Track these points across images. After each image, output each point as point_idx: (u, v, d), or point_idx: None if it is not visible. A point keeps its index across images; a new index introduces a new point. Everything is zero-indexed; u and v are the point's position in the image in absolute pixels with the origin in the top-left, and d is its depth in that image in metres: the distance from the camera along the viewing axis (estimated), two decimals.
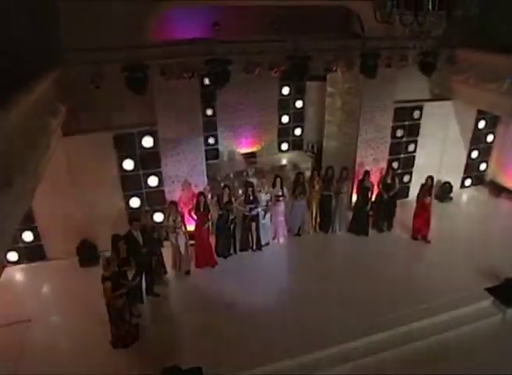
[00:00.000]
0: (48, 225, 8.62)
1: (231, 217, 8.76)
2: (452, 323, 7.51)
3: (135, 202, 8.97)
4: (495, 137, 11.34)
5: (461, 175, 11.55)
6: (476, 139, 11.18)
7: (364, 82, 9.31)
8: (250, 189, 8.76)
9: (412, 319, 7.41)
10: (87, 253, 8.82)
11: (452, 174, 11.18)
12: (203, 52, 7.83)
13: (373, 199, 9.62)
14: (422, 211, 9.27)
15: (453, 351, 7.04)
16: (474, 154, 11.38)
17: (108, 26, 7.57)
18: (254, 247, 9.28)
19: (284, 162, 13.04)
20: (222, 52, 7.75)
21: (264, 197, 8.96)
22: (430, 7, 4.26)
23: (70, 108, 7.65)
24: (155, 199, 9.05)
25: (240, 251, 9.26)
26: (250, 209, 8.84)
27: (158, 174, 8.93)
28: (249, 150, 12.91)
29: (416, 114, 10.21)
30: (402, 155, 10.61)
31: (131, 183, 8.80)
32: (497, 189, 11.37)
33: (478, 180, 11.84)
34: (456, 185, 11.37)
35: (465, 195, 11.56)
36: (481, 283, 8.14)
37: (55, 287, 8.26)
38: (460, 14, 4.20)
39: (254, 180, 11.61)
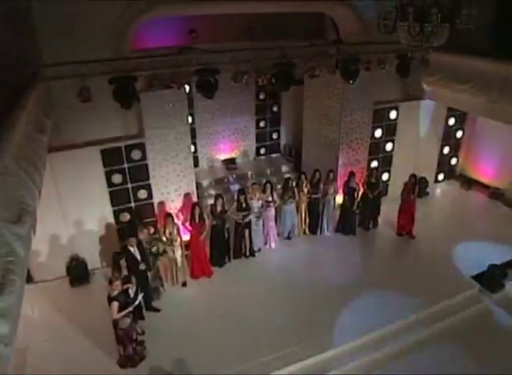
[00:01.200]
0: (34, 246, 8.22)
1: (226, 226, 8.76)
2: (444, 314, 7.87)
3: (124, 217, 8.76)
4: (463, 132, 12.00)
5: (435, 170, 12.13)
6: (447, 135, 11.79)
7: (343, 86, 9.58)
8: (243, 197, 8.79)
9: (406, 314, 7.70)
10: (77, 272, 8.53)
11: (426, 170, 11.71)
12: (190, 62, 7.80)
13: (359, 199, 9.92)
14: (407, 208, 9.67)
15: (447, 341, 7.39)
16: (446, 149, 12.00)
17: (87, 39, 7.41)
18: (248, 253, 9.32)
19: (263, 166, 13.11)
20: (210, 61, 7.73)
21: (255, 203, 9.02)
22: (431, 19, 4.51)
23: (54, 123, 7.41)
24: (145, 212, 8.89)
25: (234, 258, 9.27)
26: (244, 217, 8.88)
27: (147, 187, 8.77)
28: (228, 156, 12.91)
29: (393, 114, 10.62)
30: (381, 155, 11.00)
31: (120, 198, 8.59)
32: (468, 182, 12.05)
33: (450, 174, 12.48)
34: (430, 180, 11.92)
35: (439, 189, 12.16)
36: (466, 272, 8.63)
37: (47, 311, 7.87)
38: (461, 26, 4.46)
39: (236, 187, 11.70)
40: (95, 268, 8.79)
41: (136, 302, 6.63)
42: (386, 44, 9.05)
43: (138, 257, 7.17)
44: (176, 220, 8.23)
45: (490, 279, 8.35)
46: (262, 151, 13.48)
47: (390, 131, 10.82)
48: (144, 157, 8.48)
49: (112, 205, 8.60)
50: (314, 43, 9.04)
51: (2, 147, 4.10)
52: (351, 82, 8.80)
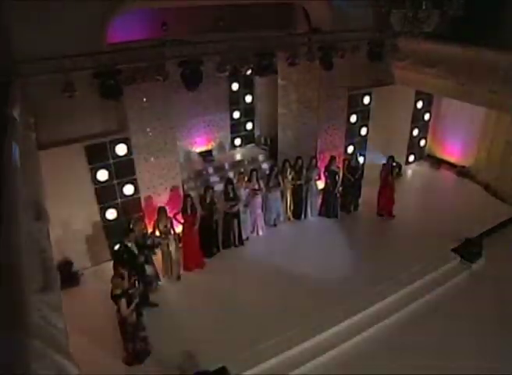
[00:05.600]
0: None
1: (215, 217, 8.80)
2: (430, 286, 8.31)
3: (111, 214, 8.58)
4: (430, 115, 12.60)
5: (405, 152, 12.67)
6: (415, 118, 12.33)
7: (320, 73, 9.81)
8: (230, 186, 8.84)
9: (395, 289, 8.04)
10: (65, 275, 8.27)
11: (398, 152, 12.18)
12: (173, 54, 7.73)
13: (340, 183, 10.22)
14: (386, 189, 10.08)
15: (434, 311, 7.81)
16: (415, 132, 12.56)
17: (64, 34, 7.16)
18: (237, 242, 9.41)
19: (239, 157, 13.19)
20: (192, 53, 7.70)
21: (243, 192, 9.11)
22: (425, 6, 4.77)
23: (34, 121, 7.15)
24: (132, 208, 8.74)
25: (223, 248, 9.34)
26: (231, 206, 8.94)
27: (134, 182, 8.62)
28: (204, 148, 12.87)
29: (366, 100, 10.98)
30: (356, 139, 11.36)
31: (106, 195, 8.40)
32: (436, 162, 12.70)
33: (419, 155, 13.09)
34: (402, 162, 12.42)
35: (411, 170, 12.73)
36: (446, 246, 9.12)
37: None
38: (451, 13, 4.75)
39: (215, 178, 11.74)
40: (84, 268, 8.58)
41: (141, 295, 6.58)
42: (359, 32, 9.51)
43: (136, 252, 7.08)
44: (168, 213, 8.17)
45: (468, 250, 8.90)
46: (237, 142, 13.53)
47: (364, 116, 11.19)
48: (129, 152, 8.32)
49: (98, 203, 8.40)
50: (292, 32, 9.16)
51: (10, 144, 3.98)
52: (330, 69, 9.03)
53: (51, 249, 3.82)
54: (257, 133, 13.76)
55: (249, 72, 8.12)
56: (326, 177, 10.12)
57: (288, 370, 6.62)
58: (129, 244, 7.07)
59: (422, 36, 5.27)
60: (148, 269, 7.60)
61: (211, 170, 12.20)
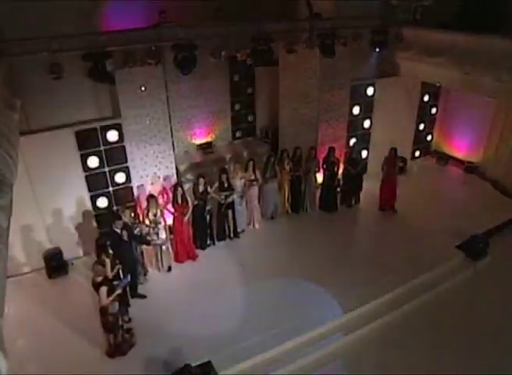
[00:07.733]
0: None
1: (208, 207, 8.52)
2: (432, 283, 7.98)
3: (102, 202, 8.38)
4: (437, 109, 12.18)
5: (411, 147, 12.26)
6: (422, 112, 11.92)
7: (320, 62, 9.49)
8: (225, 176, 8.57)
9: (396, 285, 7.74)
10: (54, 263, 8.09)
11: (403, 146, 11.78)
12: (167, 38, 7.50)
13: (340, 175, 9.89)
14: (388, 182, 9.73)
15: (437, 308, 7.52)
16: (421, 126, 12.15)
17: (53, 13, 6.97)
18: (232, 235, 9.13)
19: (239, 149, 12.87)
20: (187, 37, 7.45)
21: (238, 183, 8.83)
22: None
23: (21, 104, 6.94)
24: (124, 196, 8.52)
25: (218, 240, 9.06)
26: (226, 197, 8.66)
27: (125, 170, 8.40)
28: (204, 140, 12.59)
29: (369, 91, 10.62)
30: (359, 132, 11.00)
31: (97, 182, 8.21)
32: (443, 157, 12.28)
33: (426, 150, 12.67)
34: (407, 157, 12.02)
35: (416, 166, 12.26)
36: (450, 242, 8.76)
37: (25, 306, 7.32)
38: None
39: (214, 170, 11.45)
40: (74, 257, 8.39)
41: (125, 284, 6.34)
42: (361, 20, 9.18)
43: (126, 239, 6.85)
44: (159, 202, 7.92)
45: (473, 247, 8.52)
46: (238, 134, 13.21)
47: (368, 108, 10.83)
48: (121, 138, 8.10)
49: (89, 191, 8.21)
50: (291, 18, 8.87)
51: None
52: (332, 56, 8.72)
53: (9, 226, 3.58)
54: (258, 125, 13.43)
55: (248, 60, 7.82)
56: (324, 169, 9.79)
57: (277, 367, 6.35)
58: (118, 231, 6.83)
59: (419, 9, 4.92)
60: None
61: (210, 162, 11.91)
